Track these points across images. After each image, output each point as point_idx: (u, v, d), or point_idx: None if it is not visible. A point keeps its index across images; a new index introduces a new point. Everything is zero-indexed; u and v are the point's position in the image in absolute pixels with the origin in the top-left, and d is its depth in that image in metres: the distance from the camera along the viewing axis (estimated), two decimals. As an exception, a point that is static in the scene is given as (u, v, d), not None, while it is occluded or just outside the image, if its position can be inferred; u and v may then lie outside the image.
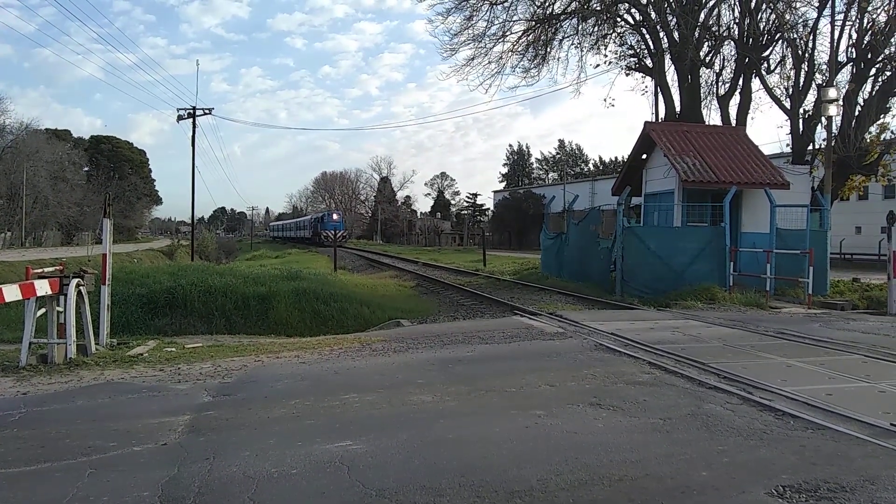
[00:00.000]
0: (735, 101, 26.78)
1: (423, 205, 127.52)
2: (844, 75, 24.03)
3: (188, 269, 23.15)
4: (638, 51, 29.01)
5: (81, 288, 9.55)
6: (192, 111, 46.34)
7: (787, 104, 25.25)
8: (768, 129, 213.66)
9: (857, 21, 23.57)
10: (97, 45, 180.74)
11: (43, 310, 9.31)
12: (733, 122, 25.96)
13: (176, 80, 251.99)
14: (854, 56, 23.73)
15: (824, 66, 24.20)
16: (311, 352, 10.38)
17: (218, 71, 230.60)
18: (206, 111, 47.26)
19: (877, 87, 23.54)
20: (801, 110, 24.94)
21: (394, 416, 6.67)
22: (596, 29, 28.74)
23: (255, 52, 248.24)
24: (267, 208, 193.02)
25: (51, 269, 10.56)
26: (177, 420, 6.43)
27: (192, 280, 18.72)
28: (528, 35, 28.84)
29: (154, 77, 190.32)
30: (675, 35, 26.04)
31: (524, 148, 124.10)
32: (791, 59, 25.48)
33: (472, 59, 29.27)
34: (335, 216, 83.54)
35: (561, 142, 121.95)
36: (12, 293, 8.34)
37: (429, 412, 6.80)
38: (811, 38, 25.05)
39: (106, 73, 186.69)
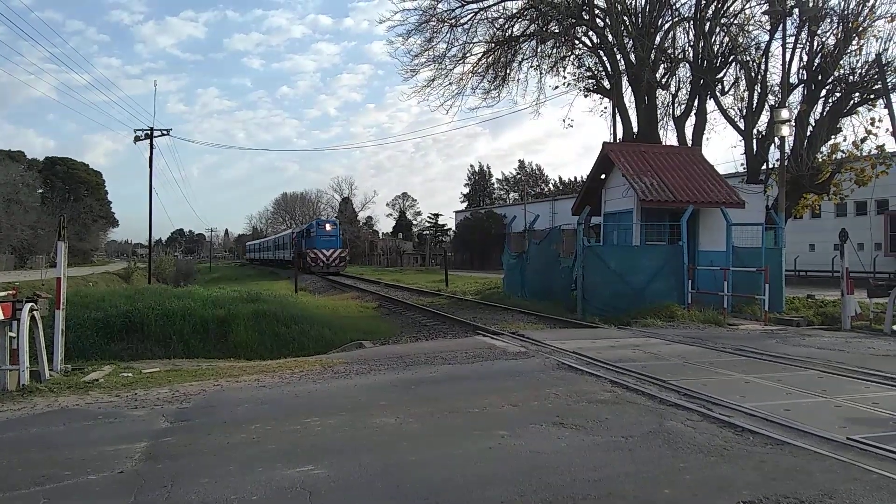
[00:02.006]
0: (691, 121, 27.29)
1: (385, 225, 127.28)
2: (796, 96, 24.66)
3: (145, 293, 22.80)
4: (596, 73, 29.43)
5: (35, 313, 9.31)
6: (149, 132, 45.76)
7: (742, 125, 25.79)
8: (723, 150, 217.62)
9: (808, 44, 24.25)
10: (50, 64, 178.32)
11: (-6, 335, 9.05)
12: (689, 143, 26.41)
13: (132, 101, 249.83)
14: (805, 78, 24.36)
15: (777, 88, 24.81)
16: (271, 375, 10.24)
17: (174, 91, 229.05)
18: (164, 132, 46.72)
19: (827, 108, 24.15)
20: (755, 131, 25.49)
21: (356, 439, 6.60)
22: (554, 51, 29.11)
23: (212, 73, 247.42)
24: (226, 230, 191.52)
25: (3, 293, 10.28)
26: (133, 447, 6.28)
27: (150, 303, 18.45)
28: (488, 57, 29.11)
29: (109, 97, 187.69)
30: (632, 57, 26.48)
31: (485, 168, 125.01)
32: (744, 81, 26.10)
33: (433, 80, 29.44)
34: (328, 226, 60.35)
35: (521, 162, 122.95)
36: (-38, 319, 8.10)
37: (392, 434, 6.74)
38: (763, 60, 25.72)
39: (59, 93, 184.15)
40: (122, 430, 6.97)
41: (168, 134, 46.90)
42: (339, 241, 59.56)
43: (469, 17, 28.09)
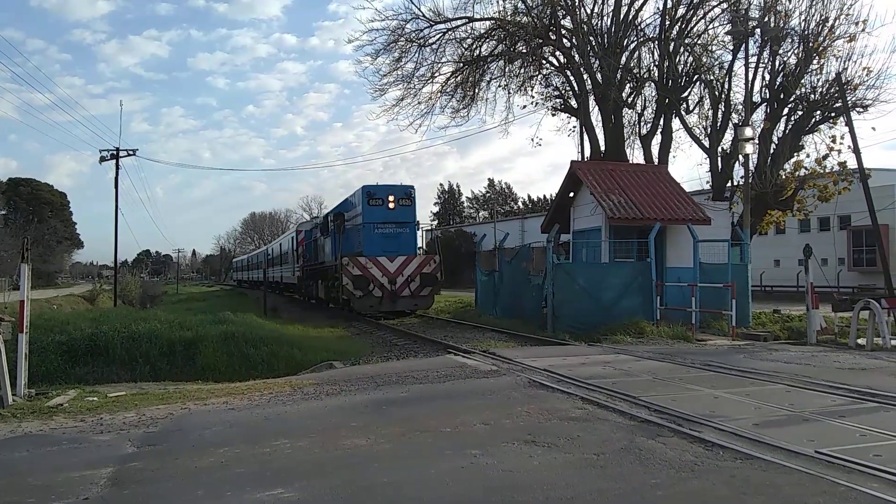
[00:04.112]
0: (657, 140, 27.68)
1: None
2: (759, 115, 25.01)
3: (111, 315, 22.47)
4: (563, 92, 29.78)
5: (-4, 336, 9.14)
6: (115, 152, 45.14)
7: (706, 143, 26.16)
8: (689, 167, 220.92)
9: (770, 63, 24.69)
10: (11, 84, 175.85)
11: (-46, 361, 8.85)
12: (656, 161, 26.75)
13: (96, 120, 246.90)
14: (768, 96, 24.78)
15: (740, 107, 25.19)
16: (240, 397, 10.12)
17: (138, 111, 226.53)
18: (131, 152, 46.06)
19: (790, 126, 24.57)
20: (720, 149, 25.86)
21: (327, 460, 6.53)
22: (522, 71, 29.45)
23: (177, 92, 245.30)
24: (193, 250, 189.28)
25: (-37, 317, 10.07)
26: (99, 473, 6.16)
27: (115, 326, 18.14)
28: (457, 76, 29.38)
29: (72, 117, 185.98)
30: (599, 77, 26.83)
31: (455, 187, 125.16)
32: (709, 100, 26.54)
33: (402, 99, 29.63)
34: (392, 201, 25.80)
35: (490, 181, 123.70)
36: (-80, 344, 7.91)
37: (363, 455, 6.68)
38: (727, 79, 26.12)
39: (22, 112, 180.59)
40: (88, 456, 6.83)
41: (134, 154, 46.29)
42: (414, 234, 27.60)
43: (437, 37, 28.41)
